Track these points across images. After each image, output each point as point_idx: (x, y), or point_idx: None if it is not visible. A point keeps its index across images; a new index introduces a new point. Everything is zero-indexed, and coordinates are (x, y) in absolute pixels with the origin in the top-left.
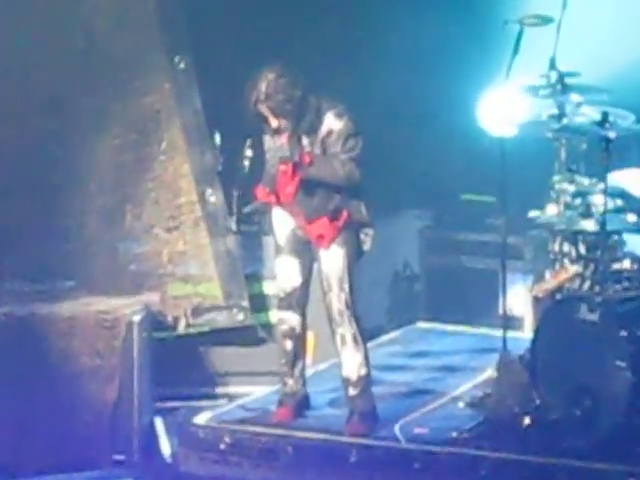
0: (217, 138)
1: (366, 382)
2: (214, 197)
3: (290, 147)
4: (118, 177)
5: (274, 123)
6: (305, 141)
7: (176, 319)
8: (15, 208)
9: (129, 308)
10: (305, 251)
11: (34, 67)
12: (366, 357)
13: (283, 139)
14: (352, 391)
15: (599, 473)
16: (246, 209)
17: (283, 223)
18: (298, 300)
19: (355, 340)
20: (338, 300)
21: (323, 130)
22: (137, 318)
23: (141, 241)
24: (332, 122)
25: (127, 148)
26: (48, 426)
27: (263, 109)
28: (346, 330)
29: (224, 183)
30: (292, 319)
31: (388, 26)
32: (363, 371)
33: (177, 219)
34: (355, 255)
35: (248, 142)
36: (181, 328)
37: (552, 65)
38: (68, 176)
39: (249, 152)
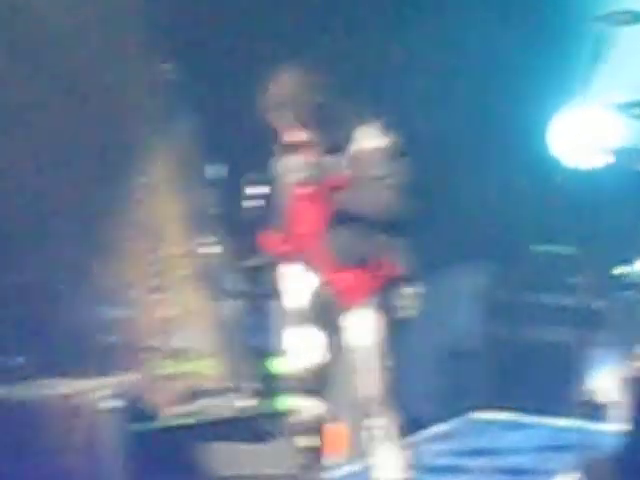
0: (213, 172)
1: None
2: (209, 248)
3: (315, 166)
4: (85, 221)
5: (288, 137)
6: (333, 161)
7: (160, 406)
8: None
9: (99, 392)
10: (328, 320)
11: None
12: (406, 458)
13: (304, 156)
14: None
15: None
16: (249, 263)
17: (300, 282)
18: (319, 382)
19: (391, 437)
20: (369, 383)
21: (354, 148)
22: (109, 405)
23: (116, 305)
24: (367, 138)
25: (96, 183)
26: None
27: (276, 120)
28: (379, 423)
29: (223, 229)
30: (313, 407)
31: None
32: (402, 476)
33: (162, 276)
34: (394, 323)
35: (249, 177)
36: (166, 418)
37: None
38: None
39: (250, 190)
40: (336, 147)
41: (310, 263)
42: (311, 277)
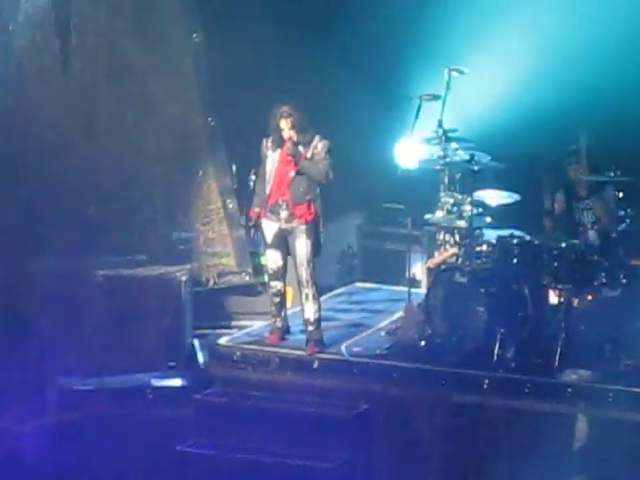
0: (233, 168)
1: (319, 322)
2: (232, 204)
3: (294, 149)
4: (174, 192)
5: (287, 134)
6: (301, 149)
7: (207, 280)
8: (109, 211)
9: (179, 272)
10: (283, 245)
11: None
12: (320, 307)
13: (289, 144)
14: (310, 327)
15: (465, 376)
16: (249, 224)
17: (269, 228)
18: (281, 273)
19: (314, 296)
20: (305, 272)
21: (312, 145)
22: (184, 278)
23: (187, 231)
24: (318, 141)
25: (181, 173)
26: (130, 341)
27: (284, 123)
28: (309, 290)
29: (238, 196)
30: (278, 285)
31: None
32: (317, 315)
33: (209, 218)
34: (317, 244)
35: (252, 171)
36: (210, 285)
37: (439, 124)
38: (143, 190)
39: (253, 177)
40: (304, 142)
41: (279, 201)
42: (273, 226)
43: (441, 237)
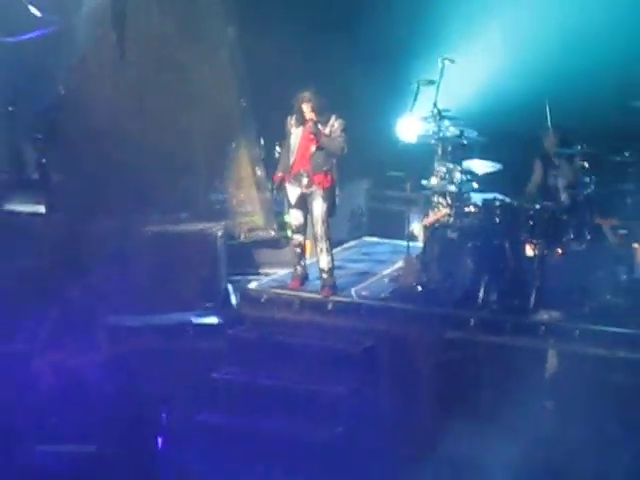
0: (262, 141)
1: (332, 270)
2: (260, 172)
3: (316, 127)
4: (213, 160)
5: (308, 115)
6: (321, 127)
7: (239, 234)
8: (157, 178)
9: (216, 228)
10: (304, 205)
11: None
12: (332, 258)
13: (310, 123)
14: (324, 275)
15: (455, 316)
16: (273, 187)
17: (293, 192)
18: (302, 229)
19: (327, 250)
20: (320, 229)
21: (330, 123)
22: (220, 233)
23: (223, 194)
24: (335, 120)
25: (218, 146)
26: (174, 286)
27: (306, 106)
28: (323, 244)
29: (265, 165)
30: (299, 238)
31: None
32: (330, 265)
33: (241, 183)
34: (332, 206)
35: (277, 144)
36: (241, 239)
37: (434, 105)
38: (186, 160)
39: (278, 149)
40: (323, 121)
41: (301, 171)
42: (295, 189)
43: (435, 200)
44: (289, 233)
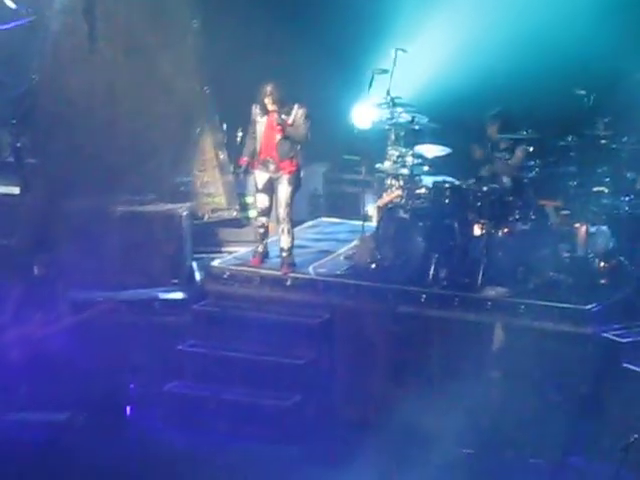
0: (224, 126)
1: (291, 250)
2: (222, 155)
3: (280, 119)
4: (178, 144)
5: (271, 107)
6: (285, 117)
7: (203, 215)
8: (125, 161)
9: (181, 209)
10: (270, 189)
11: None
12: (292, 238)
13: (274, 115)
14: (284, 254)
15: (407, 291)
16: (239, 171)
17: (261, 177)
18: (267, 211)
19: (288, 230)
20: (283, 211)
21: (293, 113)
22: (185, 213)
23: (188, 176)
24: (297, 109)
25: (183, 131)
26: (141, 263)
27: (268, 99)
28: (285, 225)
29: (228, 149)
30: (263, 220)
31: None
32: (290, 244)
33: (204, 165)
34: (296, 189)
35: (239, 129)
36: (205, 219)
37: (388, 93)
38: (153, 144)
39: (240, 134)
40: (285, 111)
41: (268, 158)
42: (262, 174)
43: (389, 182)
44: (252, 214)
